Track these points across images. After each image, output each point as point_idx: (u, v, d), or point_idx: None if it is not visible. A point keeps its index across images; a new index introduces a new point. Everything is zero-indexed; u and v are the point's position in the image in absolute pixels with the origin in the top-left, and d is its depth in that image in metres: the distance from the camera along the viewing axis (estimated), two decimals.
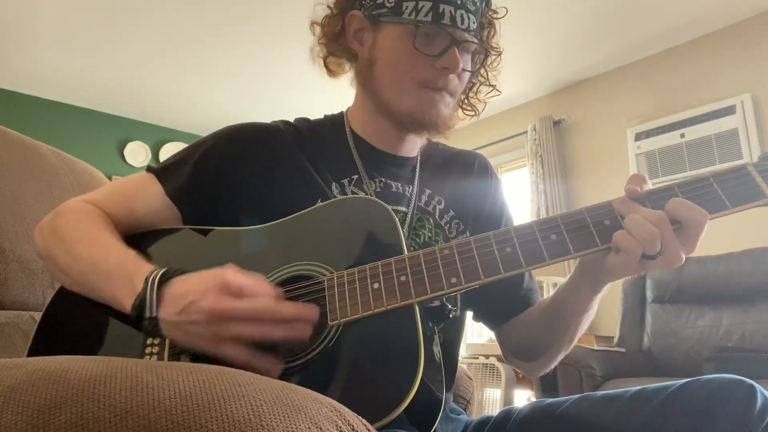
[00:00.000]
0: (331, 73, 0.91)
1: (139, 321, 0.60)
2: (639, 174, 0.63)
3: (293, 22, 3.14)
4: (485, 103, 0.95)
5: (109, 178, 1.09)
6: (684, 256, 0.59)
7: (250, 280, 0.59)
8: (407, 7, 0.78)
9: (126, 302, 0.62)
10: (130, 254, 0.68)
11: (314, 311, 0.59)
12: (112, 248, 0.69)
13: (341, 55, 0.88)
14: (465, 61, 0.82)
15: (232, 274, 0.59)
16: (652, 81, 3.55)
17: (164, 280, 0.61)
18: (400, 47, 0.80)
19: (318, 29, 0.89)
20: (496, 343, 0.94)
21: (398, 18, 0.79)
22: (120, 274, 0.64)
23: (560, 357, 0.83)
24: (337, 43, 0.87)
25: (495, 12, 0.87)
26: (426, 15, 0.77)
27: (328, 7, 0.88)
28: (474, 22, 0.81)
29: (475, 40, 0.82)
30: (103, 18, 3.15)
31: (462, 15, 0.78)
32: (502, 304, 0.88)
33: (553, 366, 0.86)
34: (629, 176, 0.64)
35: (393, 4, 0.79)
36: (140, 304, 0.60)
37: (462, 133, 4.27)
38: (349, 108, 0.93)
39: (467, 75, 0.85)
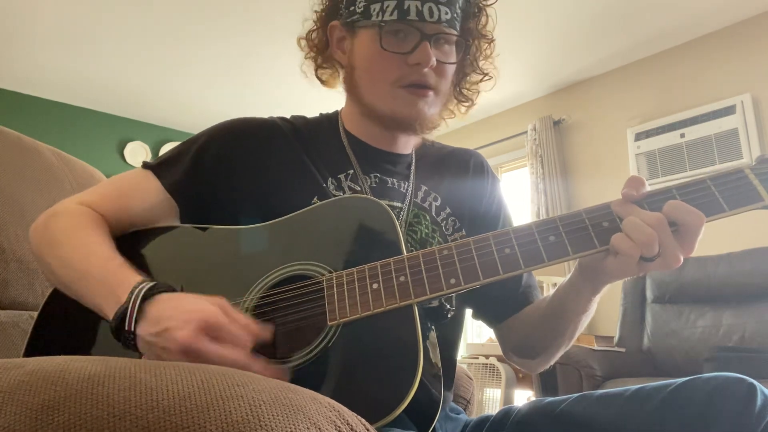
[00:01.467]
0: (325, 84, 0.92)
1: (119, 333, 0.59)
2: (637, 176, 0.63)
3: (291, 21, 3.13)
4: (479, 91, 0.92)
5: (108, 178, 1.09)
6: (682, 258, 0.59)
7: (233, 326, 0.57)
8: (374, 9, 0.78)
9: (109, 312, 0.61)
10: (116, 262, 0.67)
11: (285, 371, 0.59)
12: (100, 255, 0.68)
13: (329, 66, 0.89)
14: (445, 54, 0.81)
15: (215, 313, 0.57)
16: (652, 81, 3.54)
17: (149, 294, 0.59)
18: (370, 50, 0.80)
19: (304, 44, 0.90)
20: (496, 343, 0.94)
21: (367, 21, 0.79)
22: (104, 283, 0.63)
23: (559, 354, 0.83)
24: (323, 55, 0.88)
25: None
26: (391, 14, 0.77)
27: (313, 21, 0.89)
28: (447, 13, 0.78)
29: (452, 31, 0.80)
30: (103, 18, 3.15)
31: (430, 8, 0.77)
32: (502, 302, 0.88)
33: (552, 363, 0.86)
34: (628, 178, 0.64)
35: (362, 9, 0.80)
36: (121, 317, 0.59)
37: (462, 133, 4.28)
38: (342, 108, 0.93)
39: (449, 68, 0.83)
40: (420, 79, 0.79)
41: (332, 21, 0.86)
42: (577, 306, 0.73)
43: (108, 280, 0.64)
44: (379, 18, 0.77)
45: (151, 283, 0.61)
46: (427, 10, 0.77)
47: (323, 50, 0.88)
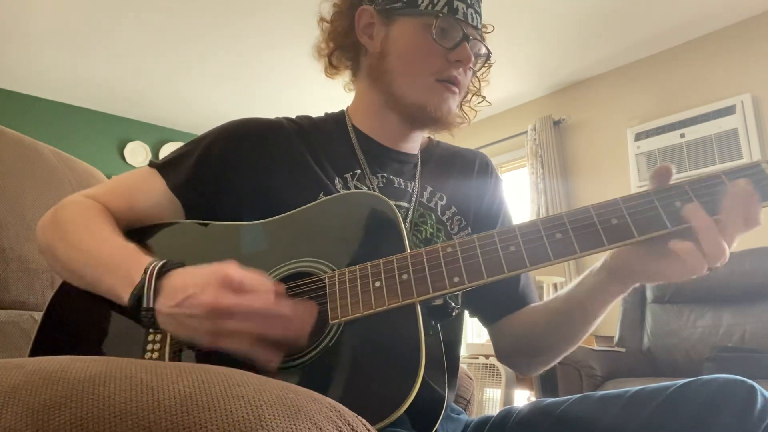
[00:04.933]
0: (334, 70, 0.91)
1: (137, 313, 0.60)
2: (666, 166, 0.61)
3: (292, 22, 3.14)
4: (476, 111, 0.96)
5: (109, 178, 1.10)
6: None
7: (251, 276, 0.58)
8: (423, 1, 0.80)
9: (123, 294, 0.61)
10: (129, 247, 0.67)
11: (313, 311, 0.59)
12: (111, 241, 0.69)
13: (347, 50, 0.89)
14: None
15: (233, 268, 0.58)
16: (652, 81, 3.55)
17: (163, 271, 0.60)
18: (415, 39, 0.81)
19: (326, 25, 0.90)
20: None
21: (414, 10, 0.81)
22: (118, 266, 0.64)
23: (559, 358, 0.83)
24: (345, 38, 0.88)
25: (485, 27, 0.89)
26: (442, 9, 0.80)
27: (335, 4, 0.89)
28: (479, 23, 0.83)
29: (480, 40, 0.85)
30: (103, 18, 3.15)
31: (472, 13, 0.82)
32: (499, 301, 0.87)
33: (548, 367, 0.85)
34: (655, 168, 0.61)
35: None
36: (138, 296, 0.60)
37: (462, 133, 4.25)
38: (349, 106, 0.93)
39: (470, 74, 0.86)
40: (456, 76, 0.82)
41: (361, 5, 0.86)
42: (601, 307, 0.72)
43: (123, 262, 0.64)
44: (429, 9, 0.80)
45: (163, 261, 0.62)
46: (470, 15, 0.82)
47: (346, 33, 0.88)
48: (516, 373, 0.92)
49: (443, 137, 0.95)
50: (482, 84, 0.95)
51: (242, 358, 0.55)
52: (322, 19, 0.90)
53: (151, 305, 0.59)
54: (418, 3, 0.80)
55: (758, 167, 0.59)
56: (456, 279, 0.60)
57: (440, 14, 0.79)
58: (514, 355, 0.88)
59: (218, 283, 0.56)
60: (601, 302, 0.72)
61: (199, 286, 0.57)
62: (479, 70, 0.91)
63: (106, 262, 0.66)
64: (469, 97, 0.94)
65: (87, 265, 0.67)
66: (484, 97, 0.95)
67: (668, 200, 0.59)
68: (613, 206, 0.60)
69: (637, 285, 0.68)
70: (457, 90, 0.83)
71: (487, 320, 0.91)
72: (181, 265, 0.62)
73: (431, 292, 0.60)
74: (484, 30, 0.89)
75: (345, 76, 0.93)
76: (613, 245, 0.59)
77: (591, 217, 0.60)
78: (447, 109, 0.82)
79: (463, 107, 0.94)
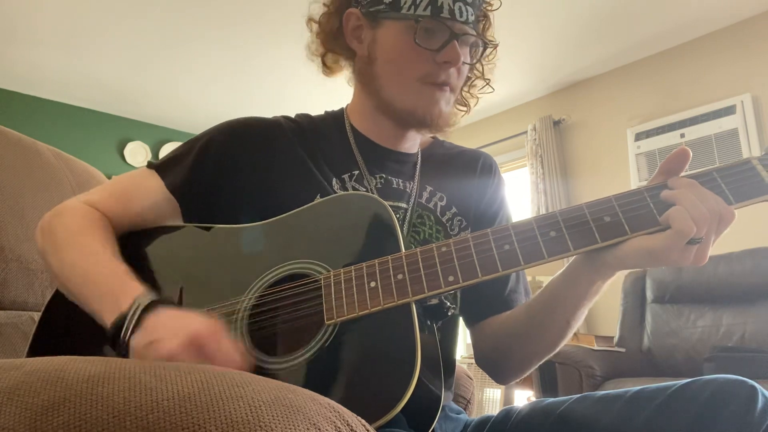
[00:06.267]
0: (329, 70, 0.90)
1: (114, 341, 0.59)
2: (683, 152, 0.61)
3: (292, 23, 3.13)
4: (478, 98, 0.93)
5: (109, 178, 1.09)
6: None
7: (222, 353, 0.56)
8: (405, 2, 0.77)
9: (107, 320, 0.60)
10: (121, 269, 0.67)
11: None
12: (104, 261, 0.68)
13: (339, 52, 0.87)
14: (465, 54, 0.81)
15: (204, 331, 0.56)
16: (652, 81, 3.54)
17: (150, 308, 0.59)
18: (400, 43, 0.79)
19: (315, 26, 0.88)
20: None
21: (397, 14, 0.78)
22: (106, 291, 0.63)
23: (535, 365, 0.82)
24: (335, 41, 0.86)
25: (489, 4, 0.86)
26: (425, 9, 0.76)
27: (324, 5, 0.87)
28: (472, 14, 0.79)
29: (474, 33, 0.81)
30: (103, 18, 3.15)
31: (460, 7, 0.77)
32: (484, 302, 0.86)
33: (525, 375, 0.84)
34: (671, 154, 0.61)
35: (390, 0, 0.78)
36: (118, 324, 0.59)
37: (462, 133, 4.27)
38: (348, 104, 0.92)
39: (466, 68, 0.84)
40: (447, 78, 0.79)
41: (349, 8, 0.83)
42: (578, 296, 0.71)
43: (111, 287, 0.64)
44: (411, 11, 0.77)
45: (154, 297, 0.61)
46: (458, 10, 0.77)
47: (335, 36, 0.86)
48: (494, 380, 0.91)
49: (444, 136, 0.94)
50: (488, 67, 0.90)
51: None
52: (310, 20, 0.88)
53: (127, 338, 0.58)
54: (401, 5, 0.77)
55: (748, 164, 0.59)
56: (451, 278, 0.60)
57: (419, 18, 0.76)
58: (492, 357, 0.87)
59: (186, 337, 0.54)
60: (583, 294, 0.70)
61: (168, 333, 0.55)
62: (478, 60, 0.87)
63: (97, 284, 0.65)
64: (470, 82, 0.91)
65: (76, 283, 0.67)
66: (488, 81, 0.91)
67: (659, 197, 0.60)
68: (606, 204, 0.61)
69: (612, 275, 0.67)
70: (445, 89, 0.80)
71: (470, 320, 0.89)
72: (171, 303, 0.61)
73: (426, 291, 0.60)
74: (489, 8, 0.85)
75: (344, 74, 0.91)
76: (606, 242, 0.59)
77: (584, 215, 0.61)
78: (438, 111, 0.80)
79: (464, 94, 0.91)
